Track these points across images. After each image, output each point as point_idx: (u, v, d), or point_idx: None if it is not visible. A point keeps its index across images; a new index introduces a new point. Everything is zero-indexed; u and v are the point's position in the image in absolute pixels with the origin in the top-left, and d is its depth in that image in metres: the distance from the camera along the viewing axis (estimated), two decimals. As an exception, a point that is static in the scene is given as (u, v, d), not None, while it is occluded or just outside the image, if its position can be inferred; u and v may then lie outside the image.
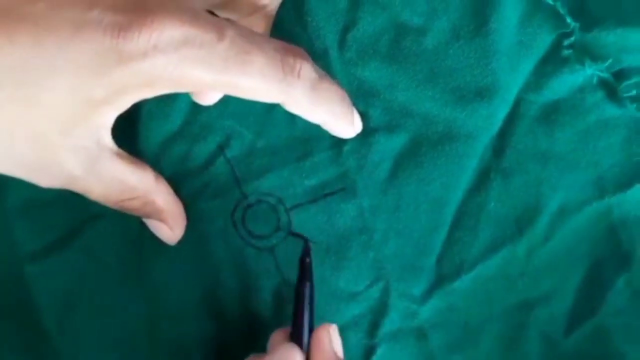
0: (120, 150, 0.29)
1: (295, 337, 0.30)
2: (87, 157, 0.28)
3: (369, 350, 0.33)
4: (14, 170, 0.28)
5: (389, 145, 0.33)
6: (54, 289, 0.33)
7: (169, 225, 0.32)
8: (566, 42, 0.33)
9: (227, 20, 0.30)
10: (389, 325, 0.33)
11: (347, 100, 0.31)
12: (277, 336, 0.30)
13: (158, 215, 0.31)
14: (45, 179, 0.28)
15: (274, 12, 0.33)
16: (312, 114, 0.30)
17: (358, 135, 0.33)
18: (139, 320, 0.33)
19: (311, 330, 0.30)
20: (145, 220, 0.32)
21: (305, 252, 0.31)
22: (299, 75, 0.28)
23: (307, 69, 0.28)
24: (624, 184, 0.33)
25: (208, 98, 0.32)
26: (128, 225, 0.33)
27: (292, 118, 0.33)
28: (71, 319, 0.33)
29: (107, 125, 0.28)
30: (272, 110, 0.33)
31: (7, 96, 0.25)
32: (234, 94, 0.28)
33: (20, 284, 0.33)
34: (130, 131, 0.31)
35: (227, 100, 0.32)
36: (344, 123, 0.31)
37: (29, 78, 0.25)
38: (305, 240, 0.32)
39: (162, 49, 0.25)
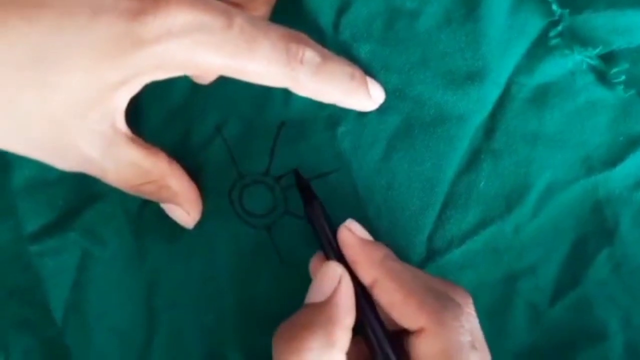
0: (134, 135, 0.30)
1: (328, 254, 0.30)
2: (103, 140, 0.28)
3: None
4: (33, 152, 0.28)
5: (382, 127, 0.33)
6: (58, 268, 0.34)
7: (185, 208, 0.32)
8: (553, 32, 0.33)
9: (234, 5, 0.30)
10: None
11: (357, 75, 0.31)
12: (315, 261, 0.31)
13: (174, 199, 0.32)
14: (62, 162, 0.29)
15: None
16: (320, 95, 0.30)
17: (353, 116, 0.33)
18: (139, 300, 0.34)
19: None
20: (162, 205, 0.33)
21: (298, 176, 0.32)
22: (301, 61, 0.28)
23: (309, 54, 0.29)
24: (610, 163, 0.33)
25: (206, 77, 0.32)
26: (127, 206, 0.34)
27: (288, 100, 0.33)
28: (75, 298, 0.34)
29: (121, 108, 0.29)
30: (269, 92, 0.33)
31: (26, 78, 0.26)
32: (242, 78, 0.29)
33: (25, 263, 0.34)
34: (130, 111, 0.31)
35: (224, 82, 0.32)
36: (357, 99, 0.32)
37: (47, 60, 0.26)
38: (295, 170, 0.33)
39: (176, 34, 0.26)
